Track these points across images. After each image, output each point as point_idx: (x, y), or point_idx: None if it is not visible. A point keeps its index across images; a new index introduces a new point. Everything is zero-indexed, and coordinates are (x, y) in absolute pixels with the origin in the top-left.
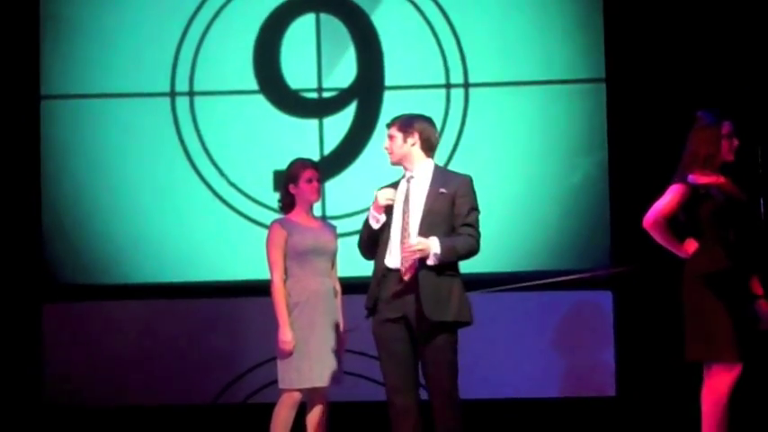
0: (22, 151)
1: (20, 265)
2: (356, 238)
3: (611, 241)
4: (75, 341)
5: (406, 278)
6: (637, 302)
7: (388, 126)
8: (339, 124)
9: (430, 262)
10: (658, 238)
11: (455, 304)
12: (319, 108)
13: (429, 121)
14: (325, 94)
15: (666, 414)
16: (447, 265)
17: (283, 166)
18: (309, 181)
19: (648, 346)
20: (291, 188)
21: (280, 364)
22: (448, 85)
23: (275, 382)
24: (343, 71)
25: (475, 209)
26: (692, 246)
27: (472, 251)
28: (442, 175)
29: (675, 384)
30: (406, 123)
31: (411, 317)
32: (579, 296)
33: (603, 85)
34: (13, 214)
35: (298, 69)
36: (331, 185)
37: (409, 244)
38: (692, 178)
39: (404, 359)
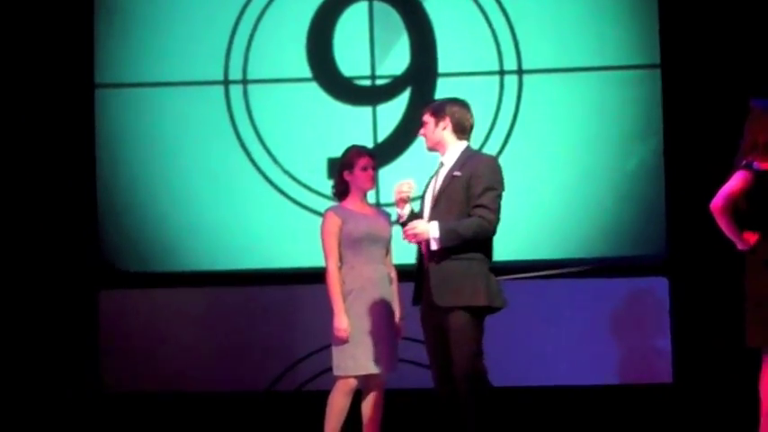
0: (76, 140)
1: (76, 252)
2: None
3: (667, 228)
4: (131, 328)
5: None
6: (693, 289)
7: (422, 112)
8: (392, 112)
9: (432, 247)
10: (723, 223)
11: (468, 288)
12: (373, 95)
13: (461, 104)
14: (379, 82)
15: (724, 401)
16: (462, 249)
17: (337, 153)
18: (365, 169)
19: (705, 332)
20: (346, 175)
21: (335, 351)
22: (501, 72)
23: (330, 369)
24: (397, 58)
25: (491, 188)
26: (752, 237)
27: (481, 232)
28: (465, 158)
29: (733, 371)
30: (438, 108)
31: (430, 303)
32: (635, 283)
33: (658, 71)
34: (69, 203)
35: (351, 57)
36: (385, 173)
37: (405, 228)
38: (757, 165)
39: (434, 346)
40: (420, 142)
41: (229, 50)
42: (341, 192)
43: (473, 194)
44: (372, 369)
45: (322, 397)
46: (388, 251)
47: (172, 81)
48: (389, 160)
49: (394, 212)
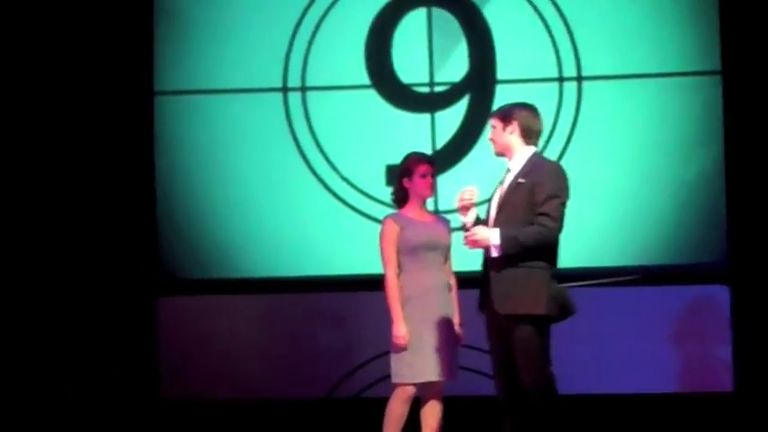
0: (136, 147)
1: (135, 260)
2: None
3: (728, 235)
4: (189, 335)
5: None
6: (755, 297)
7: (490, 116)
8: (451, 118)
9: (493, 254)
10: None
11: (529, 297)
12: (431, 102)
13: (530, 108)
14: (437, 89)
15: None
16: (524, 257)
17: (395, 160)
18: (424, 176)
19: (767, 340)
20: (405, 182)
21: (393, 358)
22: (561, 79)
23: (389, 376)
24: (455, 65)
25: (554, 196)
26: None
27: (542, 240)
28: (531, 164)
29: None
30: (506, 112)
31: (492, 311)
32: (695, 291)
33: (719, 78)
34: (128, 210)
35: (409, 64)
36: (443, 180)
37: (466, 234)
38: None
39: (495, 353)
40: (479, 149)
41: (288, 57)
42: (400, 199)
43: (536, 202)
44: (431, 377)
45: (380, 404)
46: (447, 258)
47: (230, 88)
48: (448, 167)
49: (454, 219)
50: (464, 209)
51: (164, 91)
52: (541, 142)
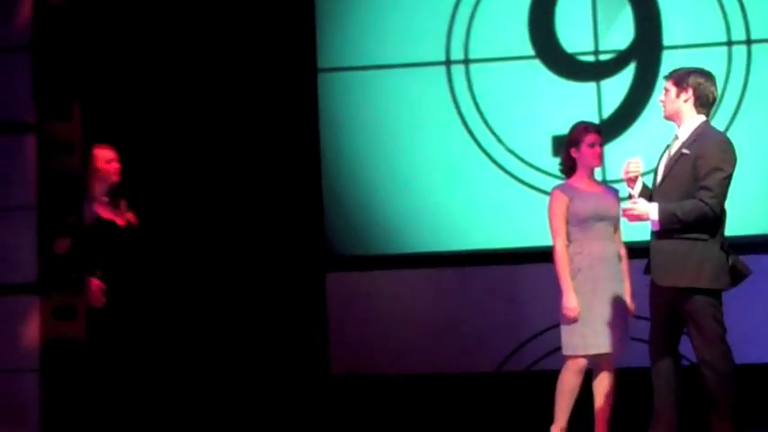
0: (300, 124)
1: (302, 235)
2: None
3: None
4: (357, 311)
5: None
6: None
7: (666, 78)
8: (617, 87)
9: (653, 228)
10: None
11: (691, 270)
12: (596, 71)
13: (707, 75)
14: (602, 57)
15: None
16: (685, 229)
17: (561, 131)
18: (592, 145)
19: None
20: (573, 152)
21: (564, 330)
22: (729, 43)
23: (558, 349)
24: (620, 32)
25: (717, 169)
26: None
27: (702, 216)
28: (696, 134)
29: None
30: (682, 77)
31: (653, 281)
32: None
33: None
34: (294, 187)
35: (573, 33)
36: (610, 149)
37: (624, 208)
38: None
39: (656, 323)
40: (646, 117)
41: (450, 30)
42: (568, 169)
43: (697, 176)
44: (602, 348)
45: (551, 377)
46: (616, 228)
47: (393, 63)
48: (615, 136)
49: (622, 189)
50: (630, 181)
51: (327, 68)
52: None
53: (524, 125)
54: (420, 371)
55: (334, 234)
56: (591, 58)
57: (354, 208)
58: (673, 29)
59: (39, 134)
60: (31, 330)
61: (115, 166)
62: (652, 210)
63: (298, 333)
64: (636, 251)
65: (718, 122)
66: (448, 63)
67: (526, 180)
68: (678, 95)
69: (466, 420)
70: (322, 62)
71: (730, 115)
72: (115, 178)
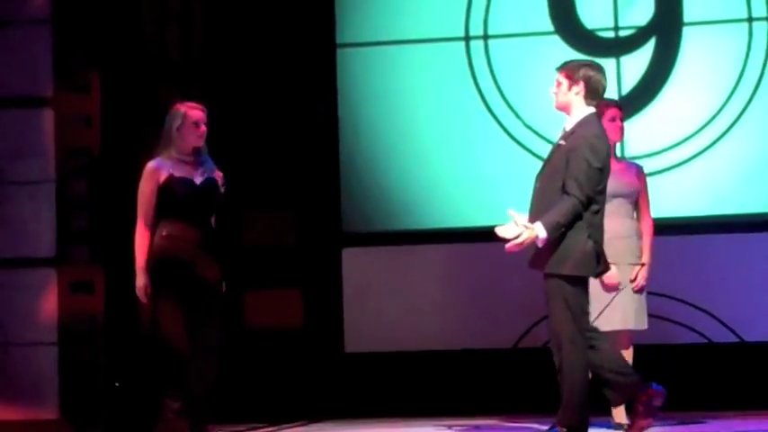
0: (319, 100)
1: (319, 210)
2: (656, 177)
3: None
4: (374, 286)
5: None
6: None
7: (557, 70)
8: (637, 63)
9: (540, 245)
10: None
11: (557, 256)
12: (616, 47)
13: (598, 68)
14: (622, 33)
15: None
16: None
17: None
18: (612, 120)
19: None
20: None
21: None
22: (750, 19)
23: None
24: (641, 8)
25: (585, 161)
26: None
27: (576, 211)
28: (578, 126)
29: None
30: (574, 70)
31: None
32: None
33: None
34: (311, 162)
35: (593, 8)
36: (630, 125)
37: (508, 247)
38: None
39: None
40: (666, 93)
41: (470, 6)
42: None
43: (569, 166)
44: (619, 324)
45: None
46: (639, 204)
47: (412, 39)
48: (635, 112)
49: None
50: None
51: (345, 43)
52: (730, 86)
53: (543, 101)
54: (436, 347)
55: (351, 209)
56: (611, 34)
57: (371, 184)
58: (693, 4)
59: (57, 108)
60: (50, 304)
61: (202, 129)
62: (538, 230)
63: (314, 309)
64: (664, 227)
65: (739, 99)
66: (467, 39)
67: (544, 156)
68: (570, 88)
69: (483, 396)
70: (341, 38)
71: (750, 91)
72: (199, 142)
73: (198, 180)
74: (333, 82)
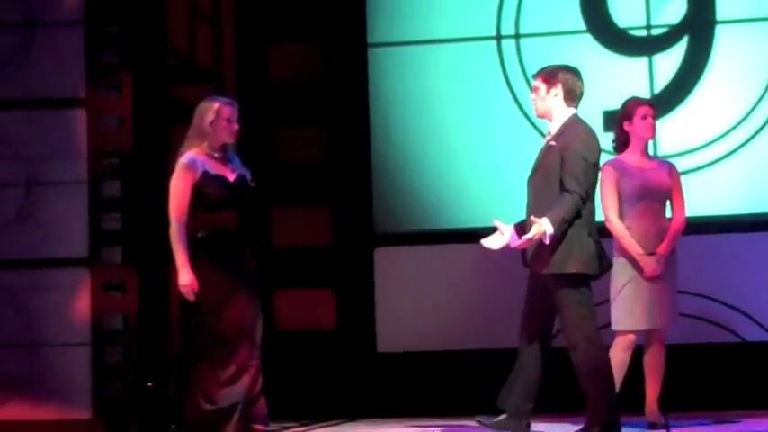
0: (350, 100)
1: (351, 210)
2: (689, 176)
3: None
4: (406, 286)
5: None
6: None
7: (534, 77)
8: (669, 61)
9: (546, 242)
10: None
11: (559, 256)
12: (648, 46)
13: (574, 71)
14: (655, 32)
15: None
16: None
17: (612, 106)
18: (644, 118)
19: None
20: (626, 125)
21: (613, 306)
22: None
23: (608, 324)
24: (673, 6)
25: (582, 158)
26: None
27: (577, 206)
28: (565, 127)
29: None
30: (551, 74)
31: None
32: None
33: None
34: (343, 162)
35: (625, 7)
36: (663, 124)
37: (518, 244)
38: None
39: (528, 307)
40: (699, 92)
41: (501, 5)
42: (621, 144)
43: (565, 165)
44: (652, 323)
45: None
46: (672, 202)
47: (443, 38)
48: (667, 111)
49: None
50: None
51: (377, 43)
52: (763, 83)
53: None
54: (468, 346)
55: (382, 210)
56: (643, 33)
57: (403, 184)
58: (725, 3)
59: (89, 109)
60: (82, 305)
61: (235, 126)
62: (545, 225)
63: (346, 309)
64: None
65: None
66: (498, 38)
67: None
68: (548, 92)
69: None
70: (372, 37)
71: None
72: (231, 139)
73: (231, 177)
74: (364, 82)
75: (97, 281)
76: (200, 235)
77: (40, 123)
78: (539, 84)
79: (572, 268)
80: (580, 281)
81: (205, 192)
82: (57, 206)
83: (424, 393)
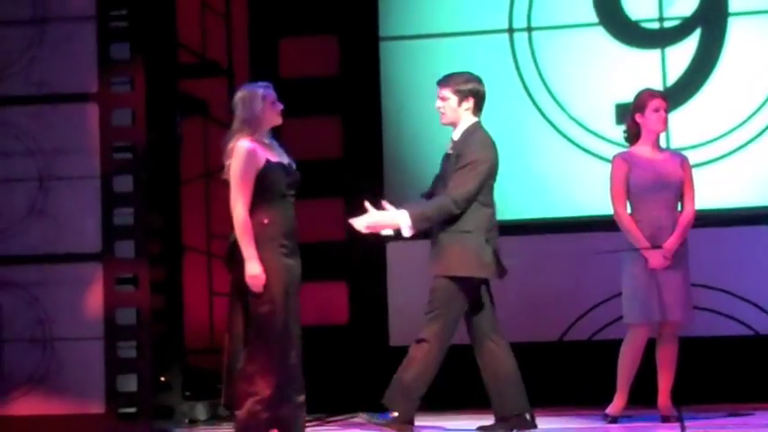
0: (363, 93)
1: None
2: (701, 169)
3: None
4: (418, 280)
5: None
6: None
7: (441, 85)
8: (682, 54)
9: (405, 234)
10: None
11: (447, 259)
12: (661, 38)
13: (480, 80)
14: (667, 24)
15: None
16: (448, 223)
17: (625, 99)
18: (657, 110)
19: None
20: (638, 117)
21: (626, 299)
22: None
23: (621, 318)
24: None
25: (471, 165)
26: None
27: (447, 211)
28: (465, 135)
29: None
30: (462, 86)
31: None
32: None
33: None
34: (355, 155)
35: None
36: (675, 117)
37: (367, 225)
38: None
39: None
40: (712, 85)
41: None
42: (633, 135)
43: (456, 169)
44: (665, 316)
45: (614, 346)
46: (683, 194)
47: (455, 31)
48: (680, 104)
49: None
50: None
51: (388, 36)
52: None
53: (587, 93)
54: None
55: (395, 202)
56: (655, 25)
57: (415, 177)
58: None
59: (101, 103)
60: (95, 299)
61: (280, 106)
62: (401, 217)
63: (359, 303)
64: (710, 219)
65: None
66: (510, 31)
67: (588, 148)
68: (460, 104)
69: (528, 389)
70: (384, 31)
71: None
72: (280, 120)
73: (287, 163)
74: (376, 76)
75: (110, 275)
76: (266, 222)
77: (52, 118)
78: (448, 94)
79: (452, 271)
80: (459, 282)
81: (269, 179)
82: (69, 201)
83: (436, 387)
